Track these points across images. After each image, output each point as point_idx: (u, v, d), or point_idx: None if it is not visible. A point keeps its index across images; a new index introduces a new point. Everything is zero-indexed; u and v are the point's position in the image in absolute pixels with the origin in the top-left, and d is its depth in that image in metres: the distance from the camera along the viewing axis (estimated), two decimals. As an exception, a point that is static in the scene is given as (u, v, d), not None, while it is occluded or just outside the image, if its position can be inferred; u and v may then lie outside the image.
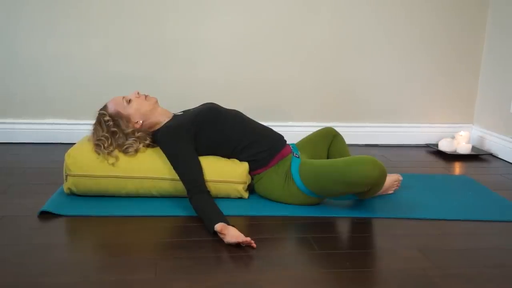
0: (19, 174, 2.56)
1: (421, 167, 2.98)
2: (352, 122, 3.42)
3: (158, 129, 2.25)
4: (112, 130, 2.18)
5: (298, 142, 2.46)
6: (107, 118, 2.19)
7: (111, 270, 1.62)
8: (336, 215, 2.12)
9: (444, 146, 3.24)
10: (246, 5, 3.17)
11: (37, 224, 1.95)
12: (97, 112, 2.23)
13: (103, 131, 2.18)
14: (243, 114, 2.35)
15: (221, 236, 1.80)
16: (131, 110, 2.21)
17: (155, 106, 2.27)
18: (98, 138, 2.18)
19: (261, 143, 2.23)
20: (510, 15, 3.18)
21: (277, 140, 2.28)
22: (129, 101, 2.22)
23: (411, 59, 3.38)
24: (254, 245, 1.77)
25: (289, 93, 3.32)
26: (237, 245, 1.78)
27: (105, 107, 2.24)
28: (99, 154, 2.16)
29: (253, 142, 2.23)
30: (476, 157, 3.21)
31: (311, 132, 2.52)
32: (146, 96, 2.26)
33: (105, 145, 2.16)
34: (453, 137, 3.34)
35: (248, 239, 1.76)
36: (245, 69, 3.25)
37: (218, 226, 1.81)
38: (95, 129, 2.22)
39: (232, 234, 1.78)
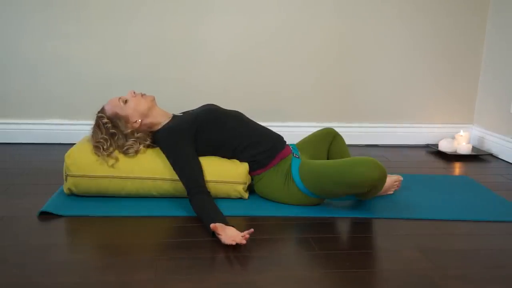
0: (19, 174, 2.56)
1: (421, 167, 2.98)
2: (352, 122, 3.42)
3: (158, 130, 2.25)
4: (111, 132, 2.18)
5: (298, 143, 2.46)
6: (105, 120, 2.19)
7: (111, 270, 1.62)
8: (336, 216, 2.12)
9: (444, 146, 3.24)
10: (246, 5, 3.16)
11: (37, 224, 1.95)
12: (95, 115, 2.23)
13: (102, 133, 2.18)
14: (243, 115, 2.35)
15: (218, 236, 1.80)
16: (129, 110, 2.21)
17: (153, 104, 2.26)
18: (97, 140, 2.18)
19: (261, 144, 2.23)
20: (510, 16, 3.18)
21: (277, 140, 2.28)
22: (126, 101, 2.22)
23: (411, 60, 3.38)
24: (249, 233, 1.77)
25: (289, 93, 3.32)
26: (236, 245, 1.77)
27: (102, 110, 2.23)
28: (98, 156, 2.16)
29: (253, 143, 2.23)
30: (476, 157, 3.21)
31: (311, 133, 2.52)
32: (142, 95, 2.26)
33: (104, 147, 2.16)
34: (453, 138, 3.34)
35: (245, 239, 1.76)
36: (245, 70, 3.25)
37: (214, 226, 1.80)
38: (94, 132, 2.22)
39: (229, 235, 1.77)
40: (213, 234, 1.83)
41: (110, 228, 1.95)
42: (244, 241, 1.75)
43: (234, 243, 1.75)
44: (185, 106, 2.56)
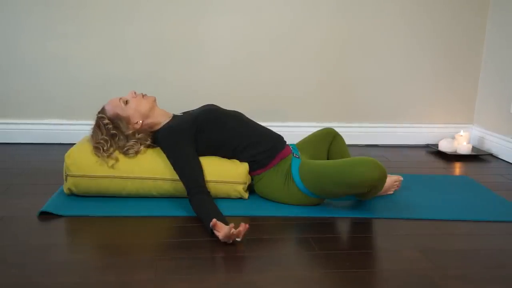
0: (19, 174, 2.56)
1: (421, 167, 2.98)
2: (352, 122, 3.42)
3: (158, 130, 2.25)
4: (111, 132, 2.17)
5: (298, 143, 2.46)
6: (106, 121, 2.18)
7: (111, 270, 1.61)
8: (336, 216, 2.12)
9: (444, 146, 3.24)
10: (247, 5, 3.16)
11: (37, 225, 1.95)
12: (96, 116, 2.22)
13: (102, 134, 2.17)
14: (243, 115, 2.34)
15: (216, 233, 1.80)
16: (130, 111, 2.20)
17: (154, 104, 2.26)
18: (97, 141, 2.17)
19: (261, 144, 2.23)
20: (510, 16, 3.18)
21: (277, 140, 2.28)
22: (126, 102, 2.21)
23: (412, 60, 3.38)
24: (246, 226, 1.79)
25: (289, 93, 3.32)
26: (235, 244, 1.77)
27: (103, 110, 2.22)
28: (98, 157, 2.16)
29: (253, 143, 2.23)
30: (476, 157, 3.21)
31: (311, 133, 2.52)
32: (144, 95, 2.26)
33: (104, 148, 2.15)
34: (453, 138, 3.34)
35: (241, 231, 1.77)
36: (245, 69, 3.25)
37: (215, 221, 1.80)
38: (94, 132, 2.21)
39: (226, 232, 1.77)
40: (212, 233, 1.83)
41: (110, 228, 1.95)
42: (241, 233, 1.77)
43: (231, 241, 1.76)
44: (185, 106, 2.56)
